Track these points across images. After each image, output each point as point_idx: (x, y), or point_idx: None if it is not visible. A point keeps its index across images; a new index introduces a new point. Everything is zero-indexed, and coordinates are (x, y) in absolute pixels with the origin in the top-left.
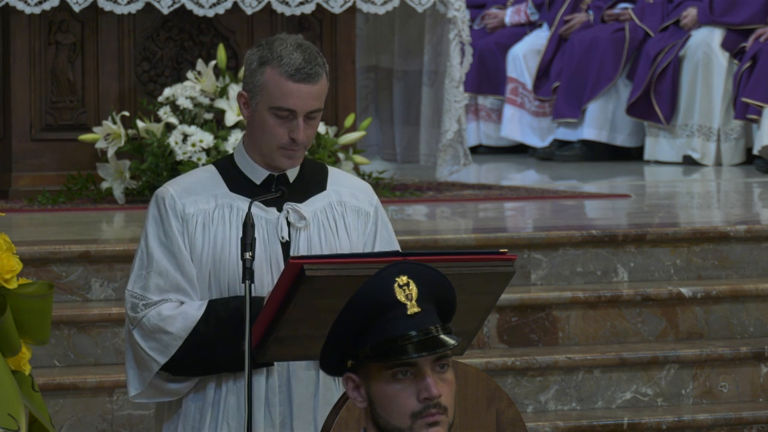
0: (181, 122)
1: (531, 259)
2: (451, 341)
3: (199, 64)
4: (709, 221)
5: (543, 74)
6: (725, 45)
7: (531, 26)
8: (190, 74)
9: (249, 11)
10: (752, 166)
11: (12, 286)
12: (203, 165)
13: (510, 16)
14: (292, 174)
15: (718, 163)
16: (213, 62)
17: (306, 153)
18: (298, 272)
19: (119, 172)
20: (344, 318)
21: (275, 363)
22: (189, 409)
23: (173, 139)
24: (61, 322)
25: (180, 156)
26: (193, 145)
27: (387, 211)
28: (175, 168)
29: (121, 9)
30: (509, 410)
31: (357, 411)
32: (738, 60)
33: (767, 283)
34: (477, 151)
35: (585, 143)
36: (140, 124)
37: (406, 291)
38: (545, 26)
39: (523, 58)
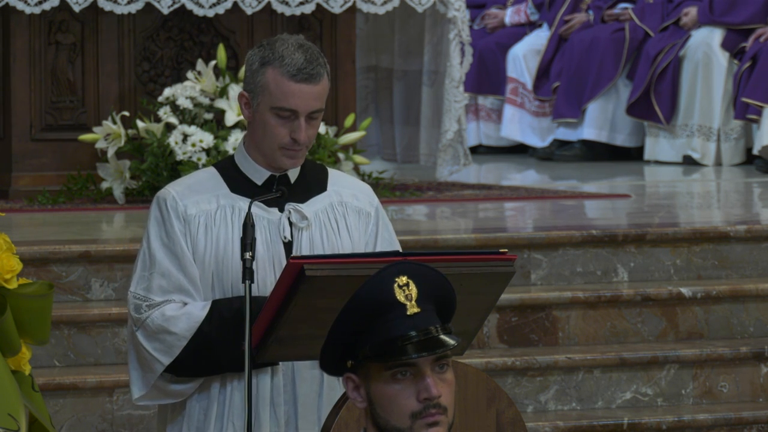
0: (181, 122)
1: (531, 259)
2: (450, 341)
3: (199, 64)
4: (709, 221)
5: (543, 74)
6: (725, 45)
7: (531, 26)
8: (190, 74)
9: (249, 11)
10: (752, 166)
11: (12, 286)
12: (203, 165)
13: (510, 16)
14: (293, 174)
15: (718, 163)
16: (213, 62)
17: (306, 153)
18: (298, 272)
19: (119, 172)
20: (344, 318)
21: (280, 362)
22: (193, 409)
23: (173, 139)
24: (61, 322)
25: (180, 156)
26: (193, 145)
27: (387, 211)
28: (175, 168)
29: (121, 9)
30: (509, 410)
31: (357, 411)
32: (738, 60)
33: (767, 283)
34: (477, 151)
35: (585, 143)
36: (140, 124)
37: (406, 291)
38: (545, 26)
39: (523, 58)
